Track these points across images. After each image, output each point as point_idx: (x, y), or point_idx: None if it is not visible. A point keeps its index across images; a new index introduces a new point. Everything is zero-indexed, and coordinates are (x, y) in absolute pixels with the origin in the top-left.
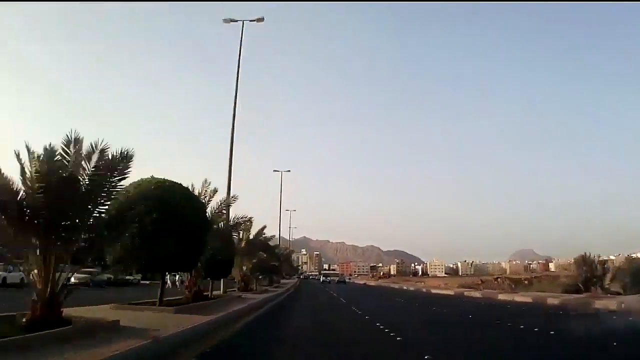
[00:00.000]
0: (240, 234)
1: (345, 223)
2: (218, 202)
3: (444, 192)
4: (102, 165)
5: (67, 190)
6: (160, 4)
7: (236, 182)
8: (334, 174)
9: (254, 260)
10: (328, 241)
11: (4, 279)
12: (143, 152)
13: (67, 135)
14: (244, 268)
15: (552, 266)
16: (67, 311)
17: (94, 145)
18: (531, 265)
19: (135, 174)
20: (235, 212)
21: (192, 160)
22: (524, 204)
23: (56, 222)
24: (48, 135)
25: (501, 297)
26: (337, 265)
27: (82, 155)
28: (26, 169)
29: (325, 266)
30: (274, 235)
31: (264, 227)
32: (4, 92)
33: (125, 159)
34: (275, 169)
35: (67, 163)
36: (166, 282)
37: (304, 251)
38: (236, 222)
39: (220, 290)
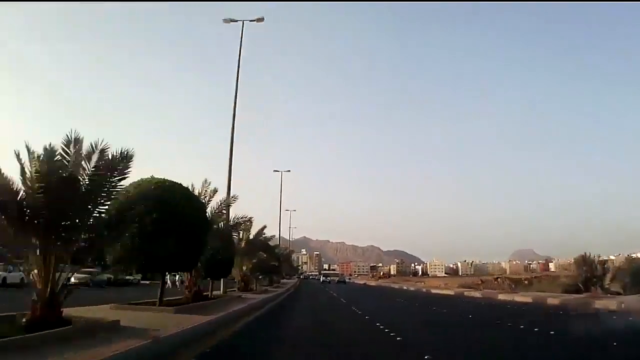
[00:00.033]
0: (240, 234)
1: (345, 223)
2: (218, 202)
3: (444, 192)
4: (102, 165)
5: (67, 190)
6: (160, 4)
7: (236, 182)
8: (334, 174)
9: (254, 260)
10: (328, 241)
11: (4, 279)
12: (143, 152)
13: (67, 135)
14: (244, 268)
15: (552, 266)
16: (67, 311)
17: (94, 145)
18: (531, 265)
19: (135, 174)
20: (235, 212)
21: (192, 160)
22: (524, 204)
23: (56, 222)
24: (48, 135)
25: (501, 297)
26: (337, 265)
27: (82, 155)
28: (26, 169)
29: (325, 266)
30: (273, 235)
31: (264, 227)
32: (4, 92)
33: (125, 159)
34: (276, 169)
35: (67, 163)
36: (166, 282)
37: (304, 251)
38: (236, 222)
39: (220, 290)
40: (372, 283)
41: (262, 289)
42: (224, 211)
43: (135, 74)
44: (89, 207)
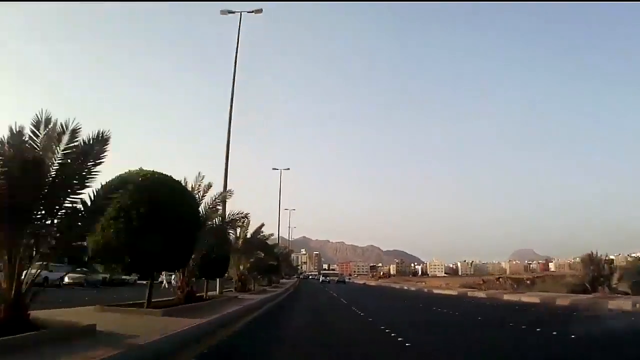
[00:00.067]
0: (238, 232)
1: (345, 223)
2: (212, 197)
3: (444, 192)
4: (74, 148)
5: (34, 175)
6: (160, 4)
7: (237, 182)
8: (334, 174)
9: (252, 260)
10: (328, 241)
11: None
12: (143, 152)
13: (37, 115)
14: (242, 267)
15: (552, 266)
16: (42, 313)
17: (64, 126)
18: (531, 265)
19: None
20: (233, 210)
21: (192, 160)
22: (524, 204)
23: (22, 212)
24: None
25: (507, 297)
26: (337, 265)
27: (54, 138)
28: None
29: (325, 266)
30: (272, 234)
31: (262, 225)
32: (4, 92)
33: (100, 141)
34: (275, 168)
35: (36, 146)
36: (162, 282)
37: (303, 251)
38: (232, 219)
39: (216, 290)
40: (372, 283)
41: (261, 289)
42: (219, 207)
43: (135, 74)
44: (59, 195)
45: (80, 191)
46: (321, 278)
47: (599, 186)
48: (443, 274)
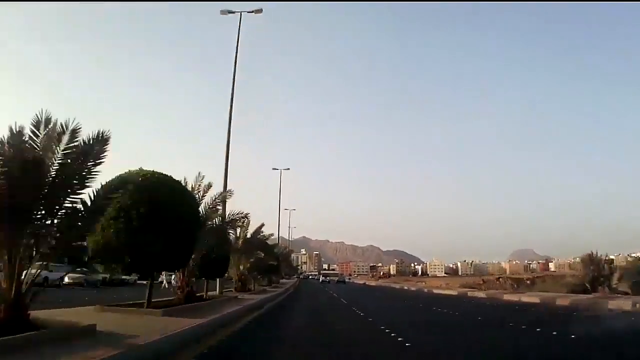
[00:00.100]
0: (238, 232)
1: (345, 223)
2: (212, 197)
3: (444, 192)
4: (74, 148)
5: (34, 175)
6: (160, 4)
7: (237, 183)
8: (334, 173)
9: (252, 260)
10: (328, 241)
11: None
12: (143, 152)
13: (37, 115)
14: (242, 267)
15: (552, 266)
16: (42, 314)
17: (64, 126)
18: (531, 265)
19: None
20: (233, 211)
21: (192, 160)
22: (524, 204)
23: (22, 212)
24: None
25: (507, 297)
26: (337, 265)
27: (54, 137)
28: None
29: (325, 266)
30: (272, 234)
31: (262, 225)
32: (4, 92)
33: (100, 141)
34: (275, 167)
35: (36, 146)
36: (162, 282)
37: (303, 251)
38: (232, 219)
39: (216, 290)
40: (372, 283)
41: (261, 289)
42: (219, 207)
43: (135, 74)
44: (59, 195)
45: (80, 191)
46: (321, 278)
47: (599, 186)
48: (443, 274)
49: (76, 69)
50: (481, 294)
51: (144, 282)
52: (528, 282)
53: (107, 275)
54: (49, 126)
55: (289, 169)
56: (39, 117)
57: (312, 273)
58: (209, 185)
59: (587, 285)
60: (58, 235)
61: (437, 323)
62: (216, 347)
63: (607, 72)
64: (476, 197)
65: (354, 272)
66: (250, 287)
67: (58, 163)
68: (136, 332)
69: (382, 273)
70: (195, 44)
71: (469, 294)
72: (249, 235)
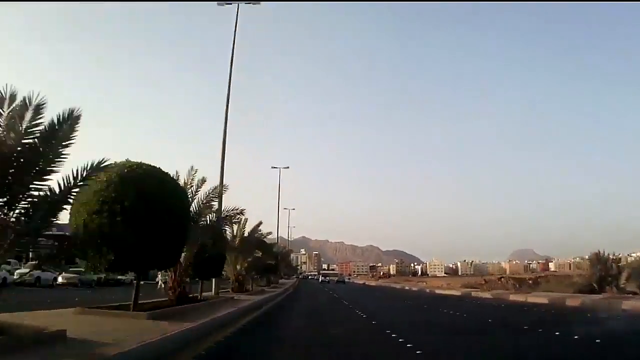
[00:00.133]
0: (235, 230)
1: (345, 223)
2: (206, 192)
3: (444, 192)
4: (38, 126)
5: None
6: (160, 4)
7: (237, 183)
8: (334, 173)
9: (249, 259)
10: (327, 241)
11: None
12: (143, 152)
13: (1, 92)
14: (239, 267)
15: (552, 266)
16: (13, 316)
17: (27, 100)
18: (531, 265)
19: None
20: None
21: (192, 160)
22: (524, 204)
23: None
24: None
25: (513, 297)
26: (337, 265)
27: (16, 114)
28: None
29: (325, 266)
30: (270, 232)
31: (260, 223)
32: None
33: (68, 120)
34: (274, 166)
35: None
36: (158, 282)
37: (303, 251)
38: (227, 215)
39: (212, 291)
40: (372, 283)
41: (259, 289)
42: (214, 202)
43: (135, 74)
44: (22, 181)
45: (46, 176)
46: (320, 278)
47: (599, 186)
48: (443, 274)
49: (76, 69)
50: (486, 294)
51: (142, 282)
52: (530, 282)
53: (103, 276)
54: (14, 104)
55: (288, 167)
56: (3, 93)
57: (312, 273)
58: (203, 180)
59: (595, 285)
60: (19, 227)
61: (447, 326)
62: (205, 357)
63: (607, 72)
64: (476, 197)
65: (354, 272)
66: (248, 288)
67: (22, 144)
68: (111, 339)
69: (382, 273)
70: (195, 44)
71: (473, 294)
72: (246, 234)
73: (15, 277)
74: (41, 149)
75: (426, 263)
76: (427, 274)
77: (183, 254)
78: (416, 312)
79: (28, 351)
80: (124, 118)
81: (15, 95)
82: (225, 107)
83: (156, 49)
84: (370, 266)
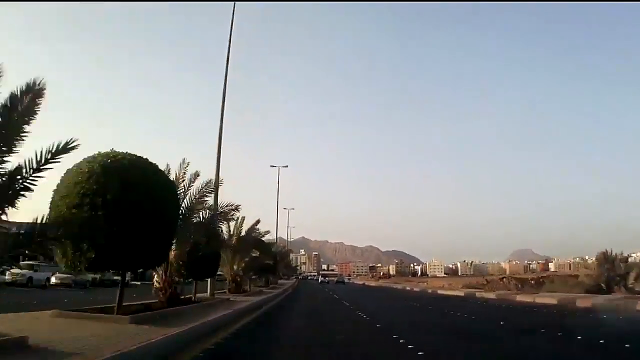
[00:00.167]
0: (231, 229)
1: (344, 223)
2: (199, 187)
3: (443, 192)
4: None
5: None
6: (160, 4)
7: (237, 183)
8: (334, 173)
9: (247, 259)
10: (327, 241)
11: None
12: (143, 152)
13: None
14: (235, 267)
15: (551, 266)
16: None
17: None
18: (530, 266)
19: None
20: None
21: (192, 161)
22: (524, 203)
23: None
24: (47, 136)
25: (519, 298)
26: (336, 265)
27: None
28: None
29: (324, 266)
30: (268, 231)
31: (258, 221)
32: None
33: (30, 91)
34: (273, 165)
35: None
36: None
37: (302, 251)
38: (222, 211)
39: (207, 292)
40: (372, 283)
41: (257, 290)
42: (207, 197)
43: (135, 74)
44: None
45: (4, 156)
46: (320, 279)
47: (599, 186)
48: (443, 275)
49: (76, 69)
50: (490, 295)
51: (137, 282)
52: (532, 282)
53: (98, 276)
54: None
55: (287, 166)
56: None
57: (312, 273)
58: (196, 174)
59: (603, 285)
60: None
61: (459, 331)
62: None
63: (607, 72)
64: (476, 197)
65: (353, 272)
66: (246, 288)
67: None
68: (80, 348)
69: (382, 273)
70: (195, 44)
71: (477, 294)
72: (243, 232)
73: (6, 277)
74: None
75: (426, 263)
76: (427, 275)
77: (173, 252)
78: (424, 315)
79: None
80: (124, 118)
81: None
82: (222, 92)
83: (156, 49)
84: (369, 267)
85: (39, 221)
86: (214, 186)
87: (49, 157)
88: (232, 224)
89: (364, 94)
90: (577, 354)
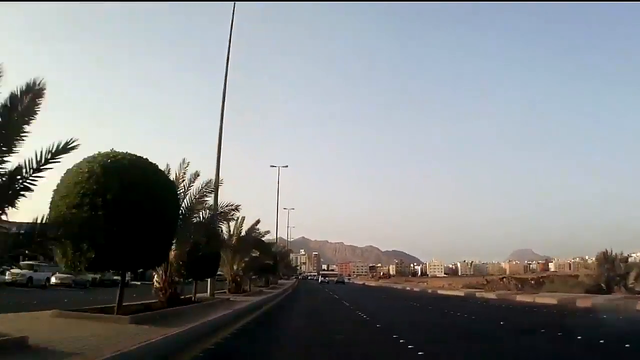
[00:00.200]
0: (231, 229)
1: (344, 223)
2: (200, 187)
3: (443, 192)
4: None
5: None
6: (160, 4)
7: (236, 183)
8: (334, 174)
9: (247, 259)
10: (327, 241)
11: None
12: (143, 152)
13: None
14: (235, 267)
15: (551, 266)
16: None
17: None
18: (530, 266)
19: None
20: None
21: (192, 161)
22: (524, 203)
23: None
24: (47, 136)
25: (520, 298)
26: (336, 265)
27: None
28: None
29: (324, 266)
30: (268, 231)
31: (258, 221)
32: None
33: (30, 91)
34: (273, 165)
35: None
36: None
37: (302, 251)
38: (222, 211)
39: (207, 292)
40: (372, 283)
41: (257, 290)
42: (207, 197)
43: (135, 74)
44: None
45: (4, 156)
46: (320, 279)
47: (599, 186)
48: (443, 275)
49: (76, 69)
50: (491, 295)
51: (138, 283)
52: (532, 282)
53: (98, 276)
54: None
55: (287, 166)
56: None
57: (312, 273)
58: (196, 174)
59: (603, 285)
60: None
61: (459, 331)
62: None
63: (607, 72)
64: (476, 197)
65: (353, 272)
66: (246, 288)
67: None
68: (80, 348)
69: (382, 273)
70: (195, 44)
71: (477, 294)
72: (243, 232)
73: (6, 277)
74: None
75: (426, 263)
76: (427, 275)
77: (173, 252)
78: (425, 315)
79: None
80: (124, 118)
81: None
82: (222, 92)
83: (156, 49)
84: (369, 267)
85: (39, 221)
86: (214, 186)
87: (49, 157)
88: (232, 224)
89: (364, 94)
90: (577, 354)
